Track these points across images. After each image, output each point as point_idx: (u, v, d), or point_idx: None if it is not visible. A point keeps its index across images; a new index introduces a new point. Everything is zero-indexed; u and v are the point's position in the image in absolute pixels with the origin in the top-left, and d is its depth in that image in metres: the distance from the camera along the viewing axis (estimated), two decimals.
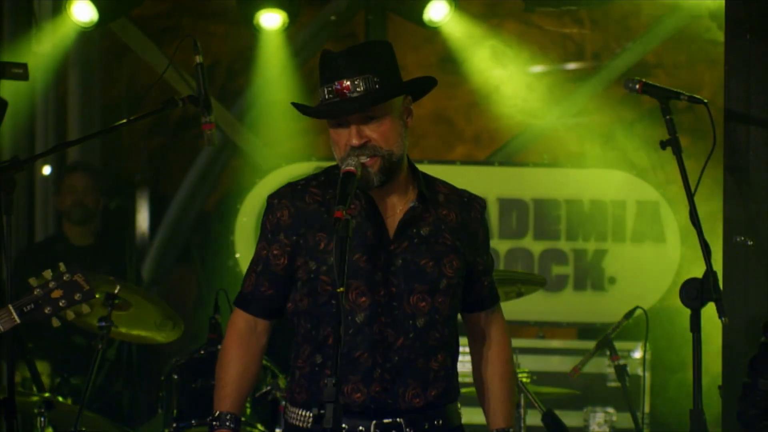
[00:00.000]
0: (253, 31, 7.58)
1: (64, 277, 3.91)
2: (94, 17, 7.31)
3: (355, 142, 3.62)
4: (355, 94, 3.60)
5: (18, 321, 3.89)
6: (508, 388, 3.87)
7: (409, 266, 3.68)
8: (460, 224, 3.77)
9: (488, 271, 3.87)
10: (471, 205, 3.82)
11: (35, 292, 3.88)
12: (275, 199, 3.80)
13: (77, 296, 3.91)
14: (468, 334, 3.94)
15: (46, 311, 3.89)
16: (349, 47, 3.69)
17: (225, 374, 3.82)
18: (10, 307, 3.88)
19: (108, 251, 7.69)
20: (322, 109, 3.66)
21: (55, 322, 3.92)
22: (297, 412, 3.74)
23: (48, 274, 3.91)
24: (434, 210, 3.75)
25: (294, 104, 3.78)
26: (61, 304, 3.89)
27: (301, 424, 3.73)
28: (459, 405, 3.84)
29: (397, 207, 3.73)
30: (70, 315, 3.95)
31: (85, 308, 3.93)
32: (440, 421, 3.71)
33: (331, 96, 3.62)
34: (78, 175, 7.65)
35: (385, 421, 3.65)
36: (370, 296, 3.65)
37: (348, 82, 3.60)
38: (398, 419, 3.66)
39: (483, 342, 3.88)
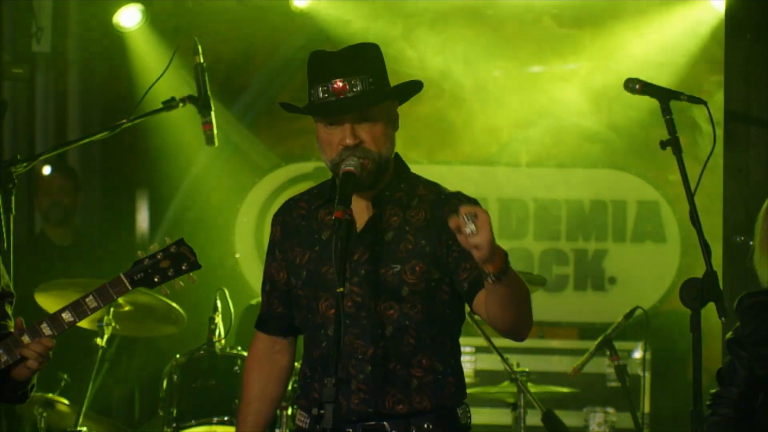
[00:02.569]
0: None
1: (171, 249, 4.00)
2: (141, 19, 7.39)
3: (349, 141, 3.60)
4: (351, 94, 3.59)
5: (130, 288, 3.99)
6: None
7: (371, 276, 3.65)
8: (428, 222, 3.68)
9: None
10: (449, 201, 3.71)
11: (145, 262, 3.98)
12: (274, 216, 3.86)
13: (184, 266, 3.99)
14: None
15: (156, 280, 3.98)
16: (343, 48, 3.68)
17: (243, 397, 3.88)
18: (122, 276, 3.97)
19: (88, 250, 7.68)
20: (318, 107, 3.64)
21: (164, 291, 4.02)
22: (300, 413, 3.79)
23: (155, 246, 4.01)
24: (402, 213, 3.70)
25: (282, 104, 3.77)
26: (169, 273, 3.98)
27: (302, 425, 3.77)
28: (466, 407, 3.75)
29: (367, 215, 3.70)
30: (179, 284, 4.03)
31: (192, 278, 4.03)
32: (430, 425, 3.66)
33: (326, 95, 3.61)
34: (53, 175, 7.65)
35: (370, 423, 3.63)
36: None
37: (344, 82, 3.60)
38: (383, 422, 3.64)
39: None
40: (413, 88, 3.74)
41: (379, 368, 3.64)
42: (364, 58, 3.65)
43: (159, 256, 3.99)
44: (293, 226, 3.78)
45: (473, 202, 3.73)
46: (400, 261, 3.66)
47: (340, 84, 3.60)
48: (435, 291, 3.69)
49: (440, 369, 3.70)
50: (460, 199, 3.73)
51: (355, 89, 3.59)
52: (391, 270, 3.65)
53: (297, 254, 3.75)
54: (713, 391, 4.38)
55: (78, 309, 3.98)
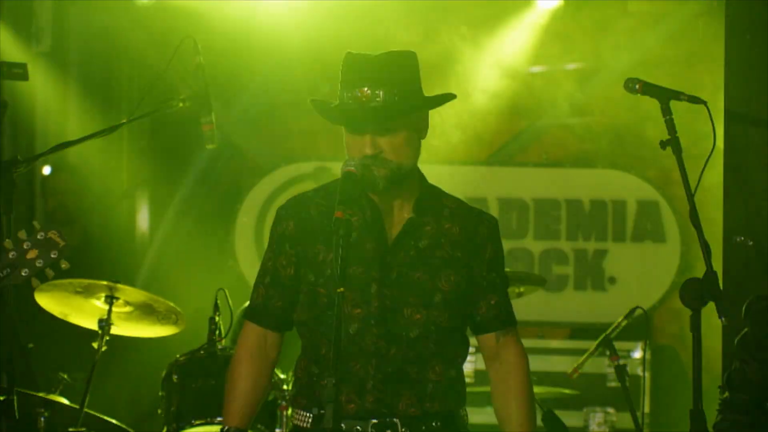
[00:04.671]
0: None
1: (38, 236, 3.80)
2: None
3: (368, 151, 3.62)
4: (373, 104, 3.60)
5: None
6: (525, 414, 3.78)
7: (403, 279, 3.67)
8: (463, 237, 3.74)
9: (496, 289, 3.78)
10: (479, 219, 3.78)
11: (9, 256, 3.78)
12: (283, 210, 3.83)
13: (53, 254, 3.80)
14: (483, 357, 3.87)
15: (23, 273, 3.79)
16: (375, 55, 3.68)
17: (234, 389, 3.83)
18: None
19: (94, 251, 7.69)
20: (339, 114, 3.65)
21: (35, 283, 3.82)
22: (299, 413, 3.79)
23: (22, 234, 3.80)
24: (436, 223, 3.74)
25: (313, 101, 3.76)
26: (37, 264, 3.79)
27: (302, 425, 3.77)
28: (465, 410, 3.81)
29: (399, 219, 3.73)
30: (50, 273, 3.83)
31: (64, 264, 3.82)
32: (438, 423, 3.70)
33: (350, 102, 3.62)
34: (59, 176, 7.66)
35: (381, 420, 3.66)
36: (364, 308, 3.66)
37: (369, 91, 3.60)
38: (394, 419, 3.66)
39: (498, 366, 3.81)
40: (443, 100, 3.75)
41: (397, 370, 3.66)
42: (394, 67, 3.64)
43: (25, 246, 3.79)
44: (311, 223, 3.77)
45: (496, 222, 3.83)
46: (435, 268, 3.69)
47: (365, 93, 3.60)
48: (461, 303, 3.74)
49: (453, 376, 3.76)
50: (489, 221, 3.81)
51: (377, 99, 3.60)
52: (426, 275, 3.69)
53: (320, 251, 3.73)
54: (723, 396, 4.36)
55: None
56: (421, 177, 3.80)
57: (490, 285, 3.77)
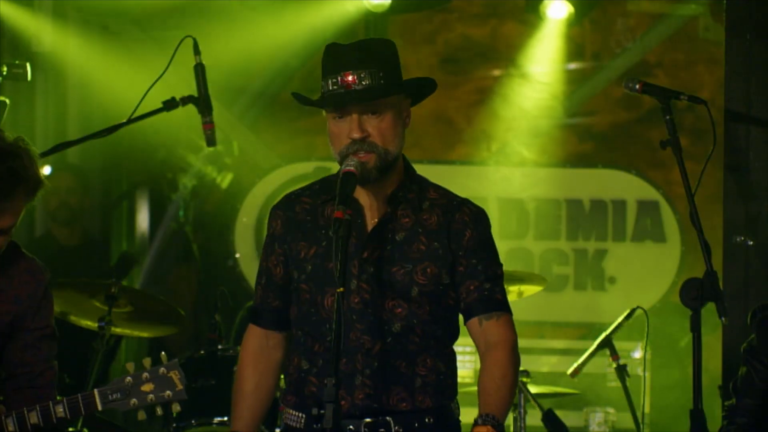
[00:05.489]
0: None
1: (160, 371, 3.79)
2: None
3: (356, 134, 3.62)
4: (359, 87, 3.61)
5: (99, 409, 3.80)
6: (491, 391, 3.63)
7: (381, 274, 3.67)
8: (440, 226, 3.71)
9: (476, 275, 3.70)
10: (460, 208, 3.74)
11: (126, 381, 3.78)
12: (273, 210, 3.85)
13: (168, 394, 3.79)
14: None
15: (132, 404, 3.80)
16: (355, 42, 3.71)
17: (238, 392, 3.86)
18: (95, 392, 3.79)
19: (95, 251, 7.69)
20: (326, 99, 3.66)
21: (141, 415, 3.82)
22: (290, 413, 3.78)
23: (147, 362, 3.79)
24: (414, 215, 3.72)
25: (294, 94, 3.79)
26: (149, 399, 3.78)
27: (294, 424, 3.76)
28: (456, 402, 3.80)
29: (378, 213, 3.73)
30: (158, 411, 3.83)
31: (176, 407, 3.82)
32: (431, 419, 3.69)
33: (335, 87, 3.63)
34: (61, 175, 7.67)
35: (373, 419, 3.65)
36: (346, 304, 3.65)
37: (353, 75, 3.61)
38: (387, 417, 3.66)
39: (482, 352, 3.72)
40: (426, 86, 3.76)
41: (385, 365, 3.66)
42: (376, 53, 3.66)
43: (144, 377, 3.79)
44: (296, 221, 3.78)
45: (481, 211, 3.78)
46: (411, 261, 3.68)
47: (350, 77, 3.61)
48: (442, 295, 3.72)
49: (443, 370, 3.73)
50: (470, 208, 3.76)
51: (363, 82, 3.61)
52: (402, 269, 3.68)
53: (301, 249, 3.74)
54: (728, 402, 4.35)
55: (46, 414, 3.81)
56: (407, 168, 3.78)
57: (469, 271, 3.70)
